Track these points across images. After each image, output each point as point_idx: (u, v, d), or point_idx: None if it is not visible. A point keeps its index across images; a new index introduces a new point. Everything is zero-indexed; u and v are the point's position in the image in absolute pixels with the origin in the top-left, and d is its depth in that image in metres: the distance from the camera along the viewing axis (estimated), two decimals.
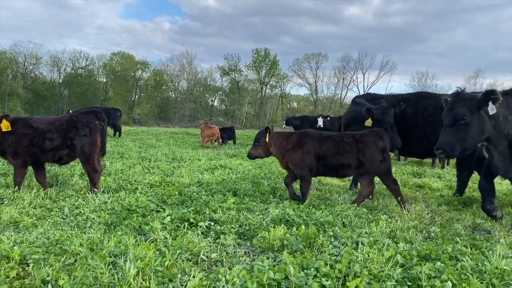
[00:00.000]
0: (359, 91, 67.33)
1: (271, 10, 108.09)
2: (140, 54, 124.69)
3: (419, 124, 7.49)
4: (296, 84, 75.29)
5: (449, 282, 3.30)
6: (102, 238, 4.07)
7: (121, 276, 3.20)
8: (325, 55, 71.94)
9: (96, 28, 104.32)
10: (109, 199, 6.05)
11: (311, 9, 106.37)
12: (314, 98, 71.64)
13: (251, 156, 6.84)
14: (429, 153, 7.85)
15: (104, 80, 67.82)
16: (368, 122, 7.12)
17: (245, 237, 4.62)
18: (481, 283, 3.50)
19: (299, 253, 4.04)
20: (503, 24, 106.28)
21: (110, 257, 3.52)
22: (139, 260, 3.33)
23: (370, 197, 7.28)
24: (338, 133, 6.92)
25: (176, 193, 6.41)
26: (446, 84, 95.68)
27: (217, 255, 3.91)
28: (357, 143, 6.35)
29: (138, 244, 3.86)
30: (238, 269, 3.31)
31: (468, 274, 3.59)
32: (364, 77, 72.84)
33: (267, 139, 6.61)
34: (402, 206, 6.14)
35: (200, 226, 4.64)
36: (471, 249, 4.33)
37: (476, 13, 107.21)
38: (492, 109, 5.36)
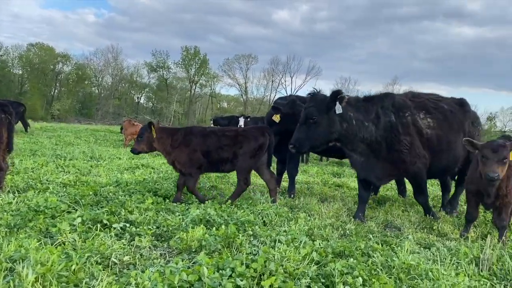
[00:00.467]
0: (287, 94, 68.91)
1: (201, 8, 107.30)
2: (61, 46, 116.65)
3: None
4: (226, 84, 75.26)
5: (360, 278, 3.41)
6: (1, 241, 3.70)
7: (17, 283, 2.90)
8: (255, 56, 72.70)
9: (12, 16, 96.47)
10: (14, 199, 5.54)
11: (241, 10, 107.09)
12: (244, 98, 72.10)
13: (134, 151, 6.64)
14: None
15: (20, 72, 62.79)
16: (276, 118, 7.36)
17: (163, 239, 4.46)
18: (390, 277, 3.66)
19: (217, 253, 3.97)
20: (419, 36, 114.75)
21: (8, 262, 3.20)
22: (39, 265, 3.05)
23: (292, 196, 7.42)
24: (221, 128, 6.93)
25: (91, 193, 6.04)
26: (367, 90, 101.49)
27: (130, 258, 3.72)
28: (237, 137, 6.38)
29: (42, 247, 3.56)
30: (151, 271, 3.16)
31: (378, 269, 3.74)
32: (292, 80, 74.77)
33: (153, 134, 6.44)
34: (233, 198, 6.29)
35: (114, 228, 4.39)
36: (382, 246, 4.54)
37: (395, 23, 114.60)
38: (338, 108, 5.68)
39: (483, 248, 4.36)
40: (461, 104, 6.90)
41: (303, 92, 78.20)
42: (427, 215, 6.26)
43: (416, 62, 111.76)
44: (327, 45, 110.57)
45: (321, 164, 14.57)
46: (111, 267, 3.55)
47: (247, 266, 3.28)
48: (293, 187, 7.80)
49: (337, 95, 5.68)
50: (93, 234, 4.16)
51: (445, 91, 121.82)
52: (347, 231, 5.12)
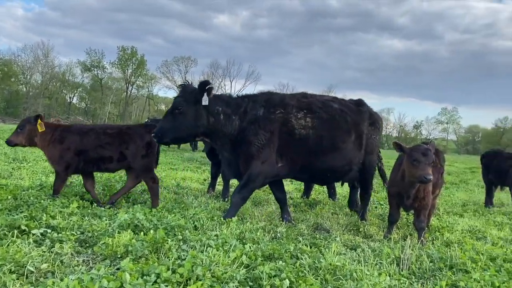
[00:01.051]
0: None
1: (139, 8, 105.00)
2: None
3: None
4: (164, 86, 73.99)
5: (287, 280, 3.46)
6: None
7: None
8: (194, 59, 72.46)
9: None
10: None
11: (181, 12, 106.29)
12: None
13: (10, 143, 6.16)
14: None
15: None
16: None
17: (87, 245, 4.24)
18: (316, 279, 3.75)
19: (144, 259, 3.85)
20: (353, 46, 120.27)
21: None
22: None
23: (226, 199, 7.40)
24: (103, 126, 6.74)
25: (10, 197, 5.63)
26: None
27: (48, 265, 3.49)
28: (121, 135, 6.20)
29: None
30: (71, 279, 2.99)
31: (305, 271, 3.82)
32: (231, 84, 75.05)
33: (39, 128, 6.07)
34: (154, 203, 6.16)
35: (33, 234, 4.12)
36: (311, 248, 4.65)
37: (330, 33, 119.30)
38: (205, 100, 5.57)
39: (404, 249, 4.60)
40: (358, 104, 6.76)
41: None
42: (225, 218, 5.54)
43: (350, 71, 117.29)
44: (266, 51, 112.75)
45: None
46: (26, 275, 3.31)
47: (174, 271, 3.22)
48: (228, 190, 7.79)
49: (205, 86, 5.56)
50: (8, 241, 3.87)
51: (376, 99, 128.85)
52: (278, 234, 5.19)
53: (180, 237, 4.38)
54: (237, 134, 5.76)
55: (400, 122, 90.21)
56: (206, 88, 5.53)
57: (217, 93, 6.19)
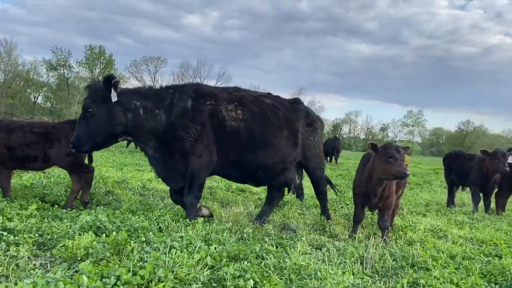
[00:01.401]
0: None
1: (107, 7, 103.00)
2: None
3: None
4: (133, 86, 72.61)
5: (251, 281, 3.44)
6: None
7: None
8: (164, 59, 71.38)
9: None
10: None
11: (151, 12, 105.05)
12: None
13: None
14: None
15: None
16: None
17: (45, 247, 4.09)
18: (281, 279, 3.75)
19: (106, 261, 3.75)
20: (322, 50, 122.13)
21: None
22: None
23: None
24: (31, 123, 6.54)
25: None
26: None
27: (2, 269, 3.35)
28: (46, 135, 6.01)
29: None
30: (26, 283, 2.87)
31: (270, 271, 3.81)
32: None
33: None
34: (84, 204, 6.06)
35: None
36: (276, 248, 4.66)
37: (301, 37, 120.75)
38: (114, 96, 5.16)
39: (368, 248, 4.67)
40: (293, 102, 6.58)
41: None
42: (188, 218, 5.46)
43: (319, 74, 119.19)
44: (237, 53, 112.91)
45: None
46: None
47: (135, 274, 3.14)
48: None
49: (110, 81, 5.14)
50: None
51: (344, 102, 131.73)
52: (245, 235, 5.17)
53: (143, 239, 4.29)
54: (164, 130, 5.42)
55: (368, 125, 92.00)
56: (112, 83, 5.11)
57: (135, 87, 6.02)
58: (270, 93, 6.59)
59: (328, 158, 25.72)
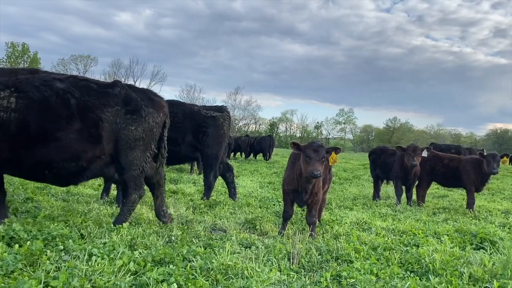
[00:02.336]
0: None
1: (31, 2, 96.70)
2: None
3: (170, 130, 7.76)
4: None
5: (175, 284, 3.38)
6: None
7: None
8: (94, 58, 68.68)
9: None
10: None
11: (79, 8, 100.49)
12: None
13: None
14: (176, 157, 8.28)
15: None
16: None
17: None
18: (207, 280, 3.71)
19: (18, 273, 3.49)
20: (257, 50, 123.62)
21: None
22: None
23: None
24: None
25: None
26: (212, 97, 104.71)
27: None
28: None
29: None
30: None
31: (196, 273, 3.75)
32: (135, 85, 72.33)
33: None
34: None
35: None
36: (205, 249, 4.60)
37: (236, 36, 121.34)
38: None
39: (294, 243, 4.76)
40: (108, 86, 5.54)
41: None
42: None
43: (255, 74, 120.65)
44: (172, 52, 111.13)
45: None
46: None
47: (47, 285, 2.95)
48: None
49: None
50: None
51: (280, 101, 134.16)
52: (173, 238, 5.06)
53: (62, 247, 4.05)
54: None
55: (303, 123, 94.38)
56: None
57: None
58: (75, 75, 5.75)
59: (263, 155, 26.76)
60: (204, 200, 8.06)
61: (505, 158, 9.00)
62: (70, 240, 4.29)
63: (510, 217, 8.26)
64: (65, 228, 4.74)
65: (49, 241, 4.24)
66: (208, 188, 8.46)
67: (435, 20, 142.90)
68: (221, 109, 8.65)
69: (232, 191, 8.73)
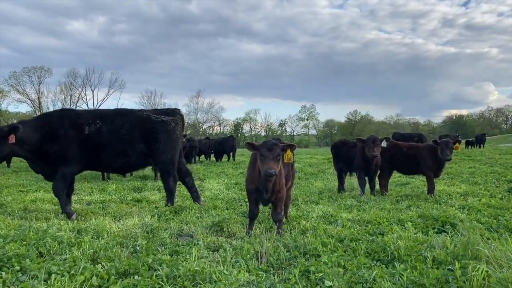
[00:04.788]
0: (88, 107, 64.95)
1: None
2: None
3: (114, 140, 7.66)
4: (15, 100, 66.10)
5: None
6: None
7: None
8: (48, 69, 66.45)
9: None
10: None
11: (28, 19, 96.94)
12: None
13: None
14: (127, 167, 8.16)
15: None
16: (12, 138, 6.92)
17: None
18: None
19: None
20: (215, 51, 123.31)
21: None
22: None
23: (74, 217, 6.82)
24: None
25: None
26: (173, 102, 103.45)
27: None
28: None
29: None
30: None
31: (162, 282, 3.66)
32: (93, 94, 70.63)
33: None
34: None
35: None
36: (171, 256, 4.50)
37: (193, 39, 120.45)
38: None
39: (262, 242, 4.74)
40: None
41: (108, 105, 75.07)
42: None
43: (215, 75, 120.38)
44: (129, 58, 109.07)
45: (124, 179, 13.98)
46: None
47: None
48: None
49: None
50: None
51: (243, 102, 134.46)
52: (138, 248, 4.92)
53: (18, 267, 3.86)
54: None
55: (267, 122, 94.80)
56: None
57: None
58: None
59: (227, 156, 26.74)
60: (168, 206, 7.91)
61: (457, 144, 9.32)
62: (27, 260, 4.10)
63: (469, 199, 8.57)
64: (22, 247, 4.52)
65: (4, 262, 4.03)
66: (170, 193, 8.27)
67: (386, 14, 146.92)
68: (173, 112, 8.38)
69: (195, 195, 8.59)
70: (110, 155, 7.67)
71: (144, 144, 7.90)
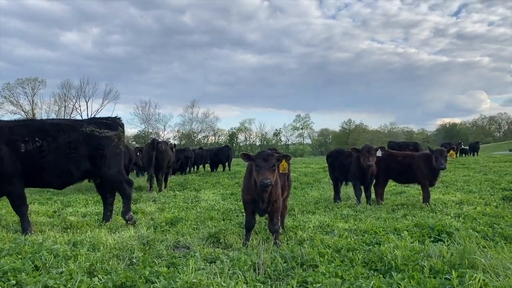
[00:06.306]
0: (82, 118, 64.78)
1: None
2: None
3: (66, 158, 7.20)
4: (8, 112, 65.85)
5: None
6: None
7: None
8: (42, 80, 66.33)
9: None
10: None
11: (22, 30, 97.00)
12: None
13: None
14: (72, 182, 7.78)
15: None
16: None
17: None
18: None
19: None
20: (210, 62, 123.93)
21: None
22: None
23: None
24: None
25: None
26: (168, 112, 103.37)
27: None
28: None
29: None
30: None
31: None
32: (87, 105, 70.50)
33: None
34: None
35: None
36: (168, 269, 4.48)
37: (188, 49, 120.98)
38: None
39: (259, 253, 4.73)
40: None
41: (103, 115, 74.94)
42: None
43: (211, 86, 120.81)
44: (123, 69, 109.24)
45: None
46: None
47: None
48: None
49: None
50: None
51: (238, 111, 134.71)
52: (134, 260, 4.90)
53: (14, 281, 3.82)
54: None
55: (262, 131, 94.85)
56: None
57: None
58: None
59: (222, 166, 26.56)
60: (129, 215, 7.56)
61: (451, 152, 9.38)
62: (23, 273, 4.06)
63: (464, 207, 8.61)
64: (17, 260, 4.48)
65: (0, 277, 3.99)
66: (128, 200, 7.75)
67: (378, 24, 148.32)
68: (114, 125, 7.75)
69: (108, 214, 7.96)
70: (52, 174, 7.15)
71: (90, 162, 7.41)
